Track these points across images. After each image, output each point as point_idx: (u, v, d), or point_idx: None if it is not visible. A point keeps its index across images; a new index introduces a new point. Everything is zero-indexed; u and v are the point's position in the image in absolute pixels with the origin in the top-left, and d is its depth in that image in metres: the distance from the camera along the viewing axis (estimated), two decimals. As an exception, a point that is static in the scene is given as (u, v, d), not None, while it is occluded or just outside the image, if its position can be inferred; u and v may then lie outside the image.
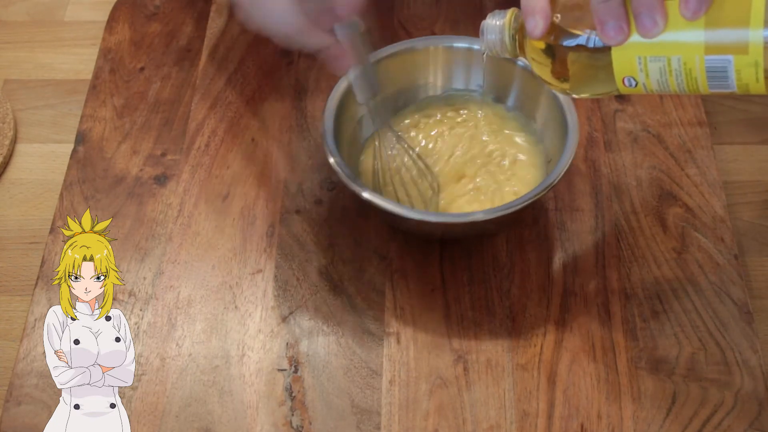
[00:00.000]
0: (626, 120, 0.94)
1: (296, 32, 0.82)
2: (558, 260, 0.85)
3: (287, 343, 0.81)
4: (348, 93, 0.86)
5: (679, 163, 0.91)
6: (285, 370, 0.80)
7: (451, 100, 0.92)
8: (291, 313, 0.83)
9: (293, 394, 0.78)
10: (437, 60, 0.91)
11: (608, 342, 0.80)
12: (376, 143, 0.86)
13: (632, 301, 0.83)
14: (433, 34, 1.01)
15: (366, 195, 0.80)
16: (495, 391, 0.78)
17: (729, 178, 0.94)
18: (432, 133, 0.90)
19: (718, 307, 0.82)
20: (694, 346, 0.80)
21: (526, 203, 0.79)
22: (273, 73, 0.99)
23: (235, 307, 0.83)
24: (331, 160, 0.82)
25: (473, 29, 0.99)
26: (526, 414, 0.77)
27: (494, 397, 0.78)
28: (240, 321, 0.82)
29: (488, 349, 0.80)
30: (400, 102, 0.91)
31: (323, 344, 0.81)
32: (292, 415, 0.77)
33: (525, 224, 0.87)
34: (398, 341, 0.81)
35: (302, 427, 0.77)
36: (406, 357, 0.80)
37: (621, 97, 0.96)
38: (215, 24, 1.03)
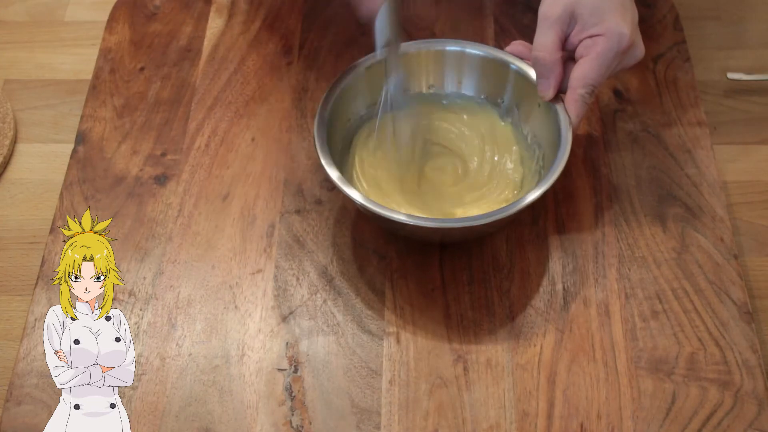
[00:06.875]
0: (626, 120, 0.94)
1: None
2: (558, 260, 0.85)
3: (287, 343, 0.81)
4: (341, 95, 0.86)
5: (679, 163, 0.91)
6: (285, 369, 0.80)
7: (443, 103, 0.92)
8: (291, 313, 0.83)
9: (293, 394, 0.78)
10: (429, 63, 0.91)
11: (608, 342, 0.80)
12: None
13: (632, 301, 0.83)
14: (433, 34, 1.00)
15: (362, 201, 0.80)
16: (495, 391, 0.78)
17: (729, 178, 0.94)
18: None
19: (717, 307, 0.82)
20: (693, 346, 0.80)
21: (521, 207, 0.79)
22: (273, 73, 0.99)
23: (235, 307, 0.83)
24: (329, 170, 0.82)
25: (473, 30, 1.00)
26: (526, 414, 0.77)
27: (494, 397, 0.78)
28: (240, 321, 0.82)
29: (488, 349, 0.80)
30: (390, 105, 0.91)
31: (323, 344, 0.81)
32: (292, 415, 0.77)
33: (525, 224, 0.87)
34: (398, 341, 0.81)
35: (302, 426, 0.77)
36: (406, 357, 0.80)
37: (621, 97, 0.96)
38: (215, 24, 1.03)
